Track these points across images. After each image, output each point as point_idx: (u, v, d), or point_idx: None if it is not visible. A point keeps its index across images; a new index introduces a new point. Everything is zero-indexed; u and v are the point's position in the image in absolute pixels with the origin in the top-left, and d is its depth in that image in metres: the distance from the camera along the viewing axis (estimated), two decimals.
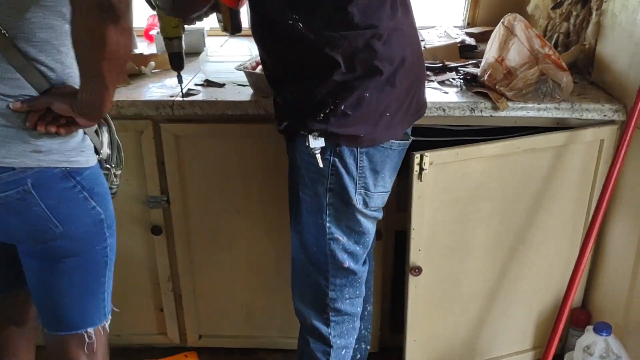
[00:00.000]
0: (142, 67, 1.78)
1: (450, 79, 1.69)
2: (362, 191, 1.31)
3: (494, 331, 1.80)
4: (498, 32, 1.60)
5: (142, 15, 2.13)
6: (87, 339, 1.26)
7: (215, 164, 1.67)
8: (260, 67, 1.49)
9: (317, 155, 1.24)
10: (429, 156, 1.48)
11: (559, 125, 1.60)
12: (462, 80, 1.67)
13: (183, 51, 1.50)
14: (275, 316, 1.86)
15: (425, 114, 1.45)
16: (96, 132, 1.23)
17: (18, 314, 1.40)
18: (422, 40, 2.01)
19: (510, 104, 1.54)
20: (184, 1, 1.23)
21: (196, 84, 1.70)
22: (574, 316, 1.79)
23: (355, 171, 1.28)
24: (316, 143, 1.23)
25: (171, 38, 1.45)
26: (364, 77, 1.21)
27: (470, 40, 1.99)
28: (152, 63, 1.80)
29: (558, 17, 1.85)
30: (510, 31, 1.57)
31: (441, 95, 1.60)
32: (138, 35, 1.91)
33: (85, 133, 1.17)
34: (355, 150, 1.26)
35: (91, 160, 1.18)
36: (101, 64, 1.01)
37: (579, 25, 1.77)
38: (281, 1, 1.19)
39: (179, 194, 1.69)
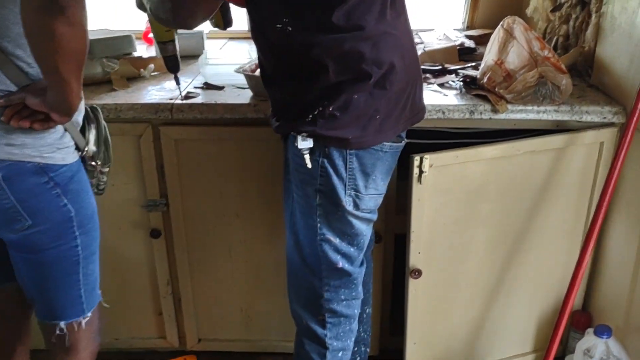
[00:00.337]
0: (142, 70, 1.78)
1: (450, 82, 1.69)
2: (352, 193, 1.30)
3: (494, 334, 1.80)
4: (497, 35, 1.60)
5: (140, 18, 2.13)
6: (57, 331, 1.28)
7: (214, 167, 1.66)
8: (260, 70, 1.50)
9: (305, 155, 1.25)
10: (429, 158, 1.48)
11: (559, 128, 1.60)
12: (461, 83, 1.67)
13: (178, 53, 1.50)
14: (274, 319, 1.86)
15: (425, 117, 1.45)
16: (83, 129, 1.24)
17: (9, 309, 1.41)
18: (421, 43, 2.01)
19: (509, 106, 1.54)
20: (185, 14, 1.23)
21: (195, 87, 1.70)
22: (574, 319, 1.79)
23: (345, 173, 1.28)
24: (304, 144, 1.24)
25: (165, 42, 1.46)
26: (352, 81, 1.21)
27: (470, 43, 2.00)
28: (152, 66, 1.80)
29: (557, 20, 1.85)
30: (509, 34, 1.56)
31: (441, 98, 1.59)
32: (137, 38, 1.91)
33: (66, 130, 1.18)
34: (344, 151, 1.26)
35: (69, 157, 1.18)
36: (54, 58, 1.00)
37: (578, 28, 1.77)
38: (272, 5, 1.19)
39: (178, 198, 1.69)
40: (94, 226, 1.28)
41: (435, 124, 1.58)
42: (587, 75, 1.73)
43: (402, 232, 1.65)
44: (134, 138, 1.62)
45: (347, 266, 1.39)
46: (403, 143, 1.39)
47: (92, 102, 1.54)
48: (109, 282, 1.75)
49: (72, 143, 1.20)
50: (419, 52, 1.86)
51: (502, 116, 1.55)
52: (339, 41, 1.18)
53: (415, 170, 1.49)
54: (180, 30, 1.55)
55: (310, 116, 1.23)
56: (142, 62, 1.81)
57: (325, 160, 1.26)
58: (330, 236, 1.35)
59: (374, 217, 1.41)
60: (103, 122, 1.30)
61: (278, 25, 1.18)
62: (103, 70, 1.72)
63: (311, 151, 1.25)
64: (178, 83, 1.56)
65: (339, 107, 1.21)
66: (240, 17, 1.53)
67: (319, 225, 1.34)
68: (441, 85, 1.68)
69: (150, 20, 1.43)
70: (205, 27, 1.51)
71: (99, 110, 1.30)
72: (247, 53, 1.86)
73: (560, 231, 1.70)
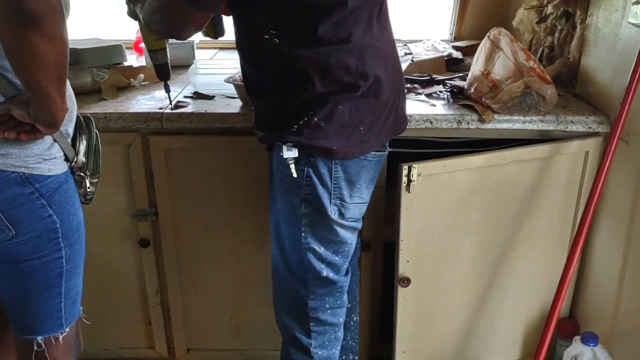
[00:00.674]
0: (132, 79, 1.79)
1: (437, 92, 1.71)
2: (338, 202, 1.31)
3: (483, 341, 1.81)
4: (484, 46, 1.63)
5: (131, 28, 2.14)
6: (35, 347, 1.25)
7: (203, 176, 1.67)
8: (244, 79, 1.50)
9: (291, 165, 1.26)
10: (417, 168, 1.49)
11: (544, 137, 1.62)
12: (448, 93, 1.69)
13: (168, 61, 1.50)
14: (264, 329, 1.85)
15: (413, 126, 1.46)
16: (75, 138, 1.23)
17: None
18: (409, 54, 2.03)
19: (496, 116, 1.56)
20: (176, 27, 1.23)
21: (185, 96, 1.70)
22: (561, 326, 1.80)
23: (330, 182, 1.28)
24: (289, 154, 1.25)
25: (155, 50, 1.46)
26: (337, 92, 1.22)
27: (457, 54, 2.02)
28: (142, 75, 1.81)
29: (543, 31, 1.88)
30: (495, 45, 1.59)
31: (428, 108, 1.61)
32: (127, 48, 1.92)
33: (55, 141, 1.17)
34: (330, 161, 1.27)
35: (55, 169, 1.17)
36: (33, 72, 0.99)
37: (563, 39, 1.80)
38: (258, 16, 1.20)
39: (167, 207, 1.69)
40: (80, 239, 1.26)
41: (423, 134, 1.60)
42: (572, 86, 1.76)
43: (391, 241, 1.66)
44: (123, 147, 1.62)
45: (331, 275, 1.39)
46: (386, 152, 1.40)
47: (82, 111, 1.53)
48: (97, 292, 1.76)
49: (61, 154, 1.18)
50: (407, 63, 1.89)
51: (488, 126, 1.57)
52: (324, 54, 1.19)
53: (404, 179, 1.50)
54: (171, 40, 1.55)
55: (296, 126, 1.24)
56: (133, 71, 1.81)
57: (311, 170, 1.27)
58: (315, 245, 1.35)
59: (359, 225, 1.42)
60: (95, 132, 1.29)
61: (265, 37, 1.20)
62: (93, 80, 1.72)
63: (296, 161, 1.26)
64: (168, 91, 1.56)
65: (324, 117, 1.22)
66: (231, 27, 1.54)
67: (303, 234, 1.34)
68: (429, 95, 1.70)
69: (141, 29, 1.43)
70: (196, 36, 1.51)
71: (92, 119, 1.29)
72: (237, 63, 1.86)
73: (547, 239, 1.72)
